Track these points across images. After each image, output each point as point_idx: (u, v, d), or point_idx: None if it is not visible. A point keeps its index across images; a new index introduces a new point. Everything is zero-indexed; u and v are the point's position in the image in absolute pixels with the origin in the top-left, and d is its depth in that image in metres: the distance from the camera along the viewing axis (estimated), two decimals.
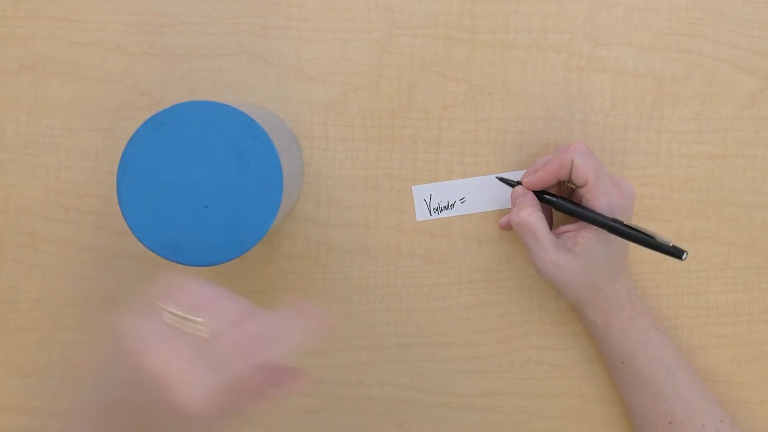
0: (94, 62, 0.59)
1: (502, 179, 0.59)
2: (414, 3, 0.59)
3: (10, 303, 0.60)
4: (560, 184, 0.56)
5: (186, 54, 0.59)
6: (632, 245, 0.54)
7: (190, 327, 0.37)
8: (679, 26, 0.59)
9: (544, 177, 0.55)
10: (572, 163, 0.53)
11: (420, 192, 0.59)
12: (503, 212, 0.59)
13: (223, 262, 0.47)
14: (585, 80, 0.59)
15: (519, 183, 0.57)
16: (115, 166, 0.58)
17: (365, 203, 0.59)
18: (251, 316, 0.38)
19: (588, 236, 0.53)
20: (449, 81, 0.59)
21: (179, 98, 0.58)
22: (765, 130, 0.59)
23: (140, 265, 0.59)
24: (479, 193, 0.59)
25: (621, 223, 0.52)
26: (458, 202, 0.59)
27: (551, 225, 0.57)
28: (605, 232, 0.53)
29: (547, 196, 0.56)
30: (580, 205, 0.54)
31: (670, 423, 0.54)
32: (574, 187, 0.55)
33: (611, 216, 0.53)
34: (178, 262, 0.47)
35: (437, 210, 0.59)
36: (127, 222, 0.47)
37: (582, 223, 0.54)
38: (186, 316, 0.37)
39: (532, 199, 0.56)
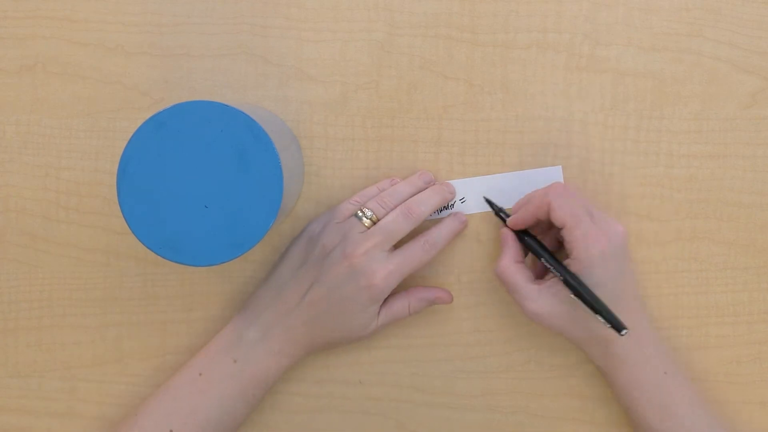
0: (94, 62, 0.59)
1: (489, 202, 0.59)
2: (414, 3, 0.59)
3: (10, 303, 0.60)
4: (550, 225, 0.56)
5: (186, 54, 0.59)
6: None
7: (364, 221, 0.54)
8: (679, 26, 0.59)
9: (524, 218, 0.55)
10: (549, 206, 0.53)
11: None
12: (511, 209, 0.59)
13: (223, 262, 0.47)
14: (585, 80, 0.59)
15: (505, 214, 0.57)
16: (115, 166, 0.58)
17: None
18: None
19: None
20: (449, 81, 0.59)
21: (179, 98, 0.58)
22: (765, 130, 0.59)
23: (140, 265, 0.59)
24: (479, 193, 0.59)
25: (575, 282, 0.52)
26: (458, 202, 0.59)
27: (545, 250, 0.56)
28: (589, 271, 0.52)
29: (527, 238, 0.56)
30: (547, 253, 0.54)
31: None
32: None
33: (589, 261, 0.51)
34: (178, 262, 0.47)
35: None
36: (127, 222, 0.47)
37: (566, 261, 0.53)
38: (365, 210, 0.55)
39: (509, 247, 0.56)
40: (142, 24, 0.58)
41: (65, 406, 0.60)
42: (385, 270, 0.54)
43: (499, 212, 0.58)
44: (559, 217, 0.53)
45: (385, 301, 0.56)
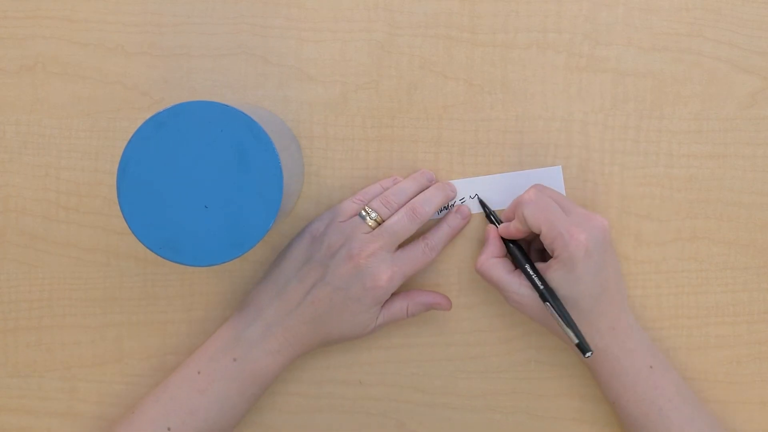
0: (94, 62, 0.59)
1: (482, 204, 0.59)
2: (414, 3, 0.59)
3: (10, 303, 0.60)
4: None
5: (186, 54, 0.59)
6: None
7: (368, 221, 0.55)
8: (679, 26, 0.59)
9: (510, 231, 0.56)
10: (522, 216, 0.54)
11: None
12: (502, 213, 0.59)
13: (223, 262, 0.47)
14: (585, 80, 0.59)
15: (496, 218, 0.58)
16: (115, 166, 0.58)
17: None
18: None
19: (552, 277, 0.53)
20: (449, 81, 0.59)
21: (179, 98, 0.58)
22: (765, 130, 0.59)
23: (140, 265, 0.59)
24: (479, 194, 0.59)
25: (549, 296, 0.53)
26: (457, 202, 0.59)
27: (525, 259, 0.56)
28: (571, 270, 0.52)
29: (511, 245, 0.56)
30: (528, 264, 0.55)
31: None
32: None
33: (570, 259, 0.52)
34: (178, 262, 0.47)
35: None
36: (127, 222, 0.47)
37: (550, 261, 0.54)
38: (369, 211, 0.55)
39: (489, 243, 0.57)
40: (142, 24, 0.58)
41: (65, 406, 0.60)
42: (390, 271, 0.54)
43: (490, 215, 0.58)
44: (533, 223, 0.53)
45: (385, 301, 0.56)
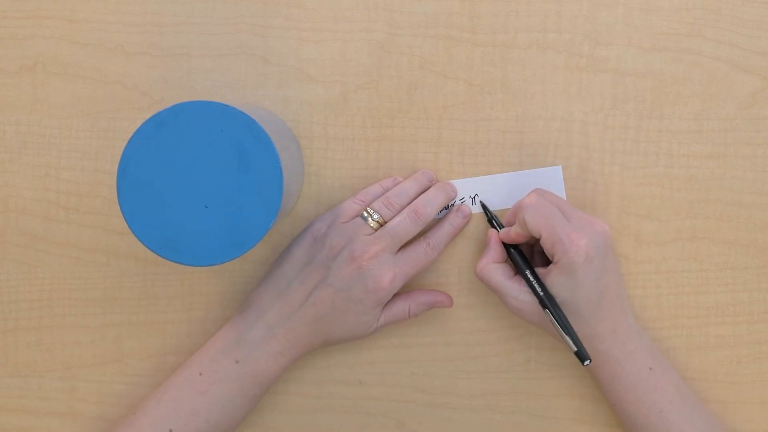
0: (94, 62, 0.59)
1: (483, 207, 0.59)
2: (414, 3, 0.59)
3: (10, 303, 0.60)
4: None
5: (186, 54, 0.59)
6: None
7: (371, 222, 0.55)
8: (679, 26, 0.59)
9: (511, 237, 0.56)
10: (523, 221, 0.54)
11: None
12: (503, 212, 0.59)
13: (223, 262, 0.47)
14: (585, 80, 0.59)
15: (498, 222, 0.58)
16: (115, 166, 0.58)
17: None
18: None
19: (552, 282, 0.53)
20: (449, 81, 0.59)
21: (179, 98, 0.58)
22: (765, 130, 0.59)
23: (140, 265, 0.59)
24: (480, 195, 0.59)
25: (550, 303, 0.53)
26: (457, 203, 0.59)
27: (526, 264, 0.56)
28: (571, 276, 0.52)
29: (512, 250, 0.56)
30: (529, 269, 0.54)
31: None
32: None
33: (569, 264, 0.52)
34: (178, 262, 0.47)
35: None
36: (127, 222, 0.47)
37: (550, 267, 0.54)
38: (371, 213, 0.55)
39: (490, 248, 0.57)
40: (142, 24, 0.58)
41: (65, 406, 0.60)
42: (392, 273, 0.54)
43: (491, 219, 0.58)
44: (533, 228, 0.53)
45: (386, 303, 0.56)
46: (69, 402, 0.60)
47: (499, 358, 0.60)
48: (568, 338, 0.52)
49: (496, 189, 0.59)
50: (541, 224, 0.53)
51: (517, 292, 0.55)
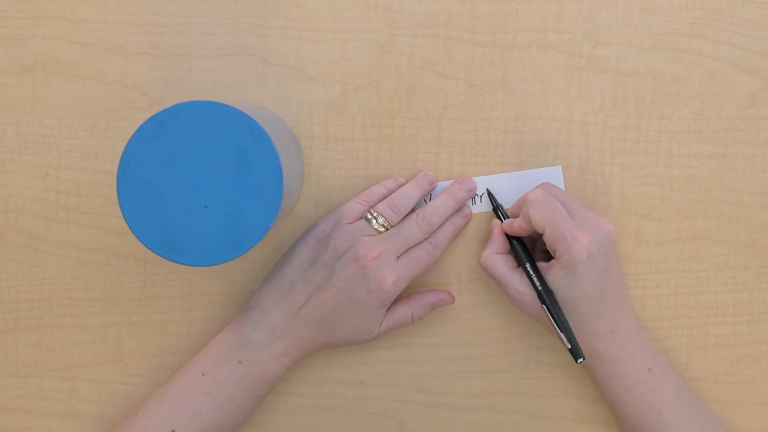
0: (94, 62, 0.59)
1: (490, 196, 0.59)
2: (414, 3, 0.59)
3: (10, 303, 0.60)
4: None
5: (186, 54, 0.59)
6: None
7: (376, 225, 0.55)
8: (679, 26, 0.59)
9: (514, 229, 0.56)
10: (528, 215, 0.54)
11: None
12: (509, 208, 0.59)
13: (223, 262, 0.47)
14: (585, 80, 0.59)
15: (503, 212, 0.58)
16: (115, 166, 0.58)
17: None
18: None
19: (552, 278, 0.53)
20: (449, 81, 0.59)
21: (179, 98, 0.58)
22: (765, 130, 0.59)
23: (140, 265, 0.59)
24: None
25: (548, 298, 0.53)
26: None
27: (527, 257, 0.56)
28: (571, 273, 0.52)
29: (514, 242, 0.56)
30: (530, 262, 0.54)
31: None
32: None
33: (572, 261, 0.52)
34: (178, 262, 0.47)
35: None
36: (127, 222, 0.47)
37: (551, 262, 0.54)
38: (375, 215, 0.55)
39: (493, 240, 0.57)
40: (142, 24, 0.58)
41: (65, 406, 0.60)
42: (396, 275, 0.54)
43: (497, 209, 0.58)
44: (537, 223, 0.53)
45: (389, 307, 0.56)
46: (69, 402, 0.60)
47: (499, 358, 0.60)
48: (562, 335, 0.52)
49: (497, 189, 0.59)
50: (545, 220, 0.53)
51: (518, 284, 0.55)
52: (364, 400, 0.60)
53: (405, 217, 0.56)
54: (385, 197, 0.57)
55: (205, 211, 0.47)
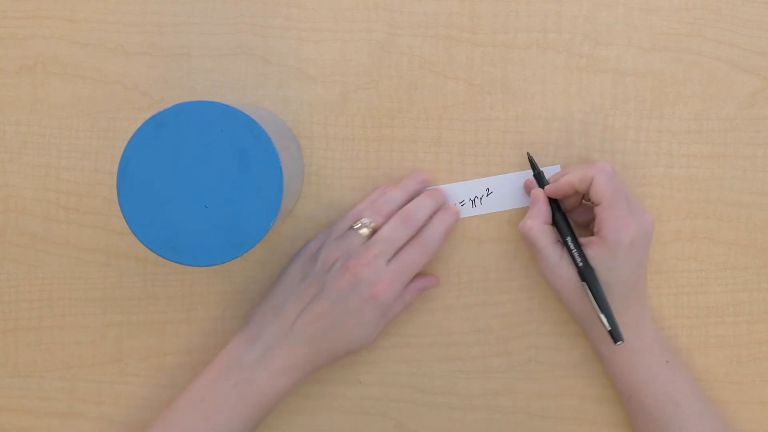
0: (94, 62, 0.59)
1: (530, 160, 0.58)
2: (414, 3, 0.59)
3: (10, 303, 0.60)
4: (582, 199, 0.57)
5: (186, 54, 0.59)
6: (649, 272, 0.56)
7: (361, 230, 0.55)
8: (679, 26, 0.59)
9: (562, 187, 0.55)
10: (592, 180, 0.53)
11: None
12: (503, 213, 0.59)
13: (223, 262, 0.47)
14: (585, 80, 0.59)
15: (543, 178, 0.57)
16: (115, 166, 0.58)
17: None
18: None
19: (592, 255, 0.53)
20: (449, 81, 0.59)
21: (179, 98, 0.58)
22: (765, 130, 0.59)
23: (140, 265, 0.59)
24: (478, 196, 0.59)
25: (591, 276, 0.52)
26: (457, 205, 0.59)
27: (570, 231, 0.55)
28: (613, 255, 0.52)
29: (557, 213, 0.56)
30: (572, 237, 0.54)
31: None
32: (591, 205, 0.55)
33: (615, 245, 0.52)
34: (178, 262, 0.47)
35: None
36: (127, 222, 0.47)
37: (592, 238, 0.54)
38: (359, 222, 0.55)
39: (540, 208, 0.56)
40: (142, 24, 0.59)
41: (65, 406, 0.60)
42: (388, 279, 0.53)
43: (538, 175, 0.57)
44: (599, 192, 0.53)
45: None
46: (69, 402, 0.60)
47: (499, 358, 0.60)
48: (602, 316, 0.52)
49: (497, 189, 0.59)
50: (608, 192, 0.52)
51: (558, 258, 0.54)
52: (364, 400, 0.60)
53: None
54: None
55: (205, 211, 0.47)
